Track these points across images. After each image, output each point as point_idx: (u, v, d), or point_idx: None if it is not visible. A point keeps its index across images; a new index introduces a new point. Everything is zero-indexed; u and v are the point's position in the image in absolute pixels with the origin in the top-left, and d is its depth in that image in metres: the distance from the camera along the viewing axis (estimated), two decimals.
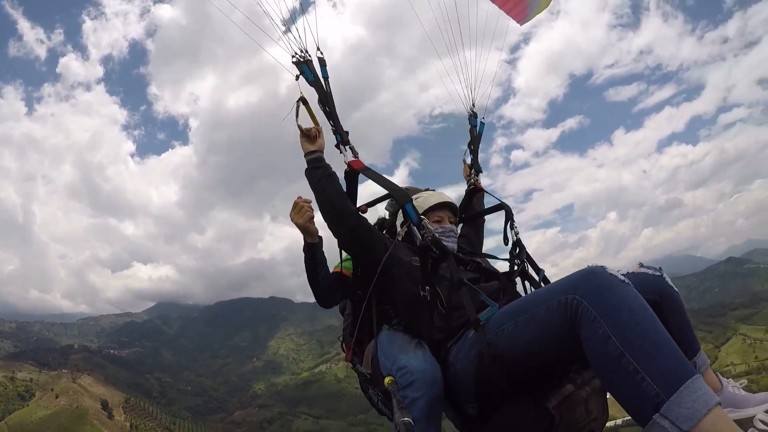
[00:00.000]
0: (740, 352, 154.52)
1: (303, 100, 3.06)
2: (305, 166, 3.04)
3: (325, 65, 3.21)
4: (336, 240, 3.02)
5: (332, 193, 2.91)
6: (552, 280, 2.96)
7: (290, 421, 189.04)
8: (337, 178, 3.00)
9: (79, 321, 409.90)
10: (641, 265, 2.48)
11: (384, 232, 3.40)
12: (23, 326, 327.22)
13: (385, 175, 3.03)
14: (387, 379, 2.51)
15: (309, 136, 3.07)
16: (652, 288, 2.32)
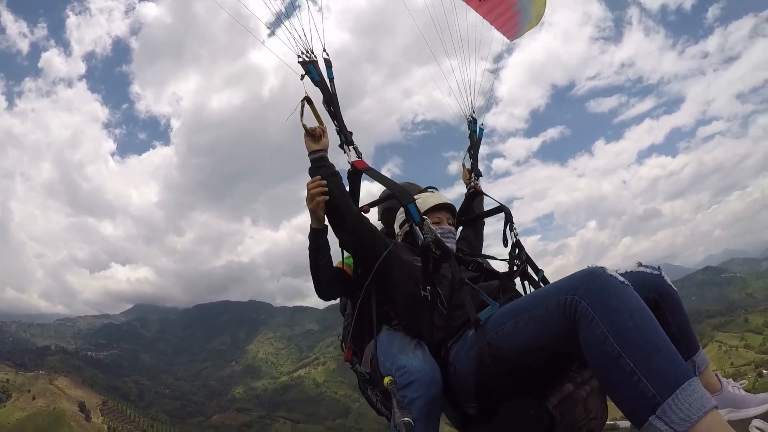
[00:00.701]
0: (716, 358, 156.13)
1: (308, 99, 3.08)
2: (309, 165, 3.07)
3: (331, 66, 3.25)
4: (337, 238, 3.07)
5: (335, 192, 2.92)
6: (551, 281, 3.02)
7: (269, 425, 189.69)
8: (341, 177, 3.02)
9: (56, 322, 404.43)
10: (640, 264, 2.49)
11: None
12: None
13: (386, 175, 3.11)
14: (386, 379, 2.51)
15: (313, 135, 3.09)
16: (650, 287, 2.35)
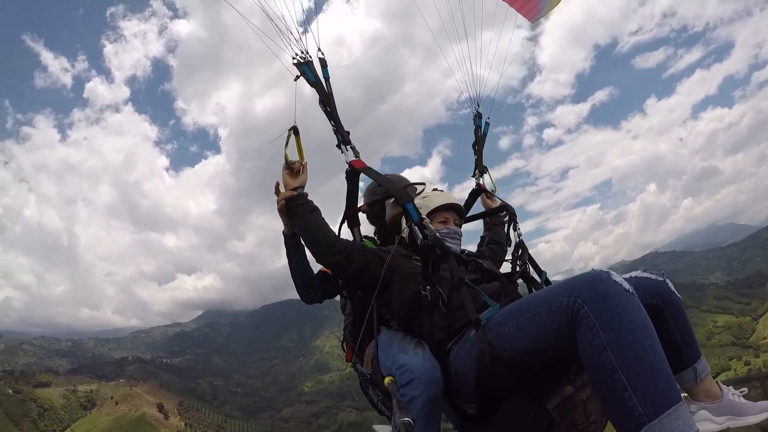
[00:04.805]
0: None
1: (295, 130, 3.04)
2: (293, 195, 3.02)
3: (326, 66, 3.21)
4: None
5: (316, 228, 2.88)
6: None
7: (335, 414, 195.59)
8: (320, 212, 2.96)
9: (131, 334, 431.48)
10: (644, 270, 2.45)
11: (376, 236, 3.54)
12: (78, 344, 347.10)
13: (387, 174, 3.11)
14: (387, 380, 2.50)
15: (292, 169, 3.07)
16: (654, 293, 2.32)
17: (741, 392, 2.43)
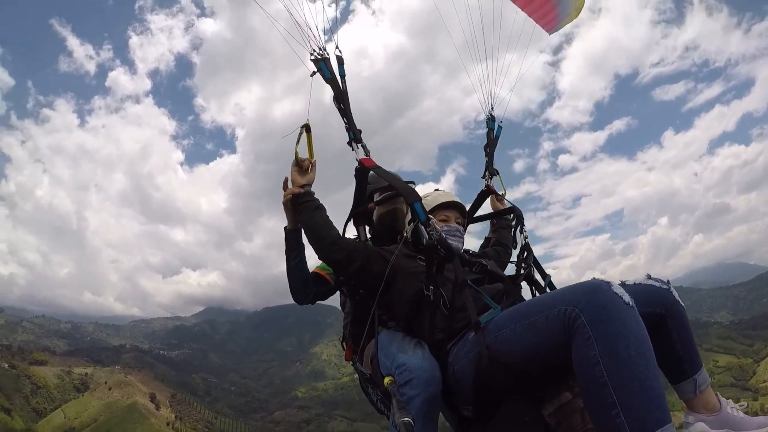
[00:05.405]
0: None
1: (307, 128, 3.09)
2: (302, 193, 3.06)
3: (343, 63, 3.23)
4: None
5: (320, 226, 2.93)
6: (551, 282, 3.10)
7: (326, 422, 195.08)
8: (325, 210, 3.01)
9: (130, 323, 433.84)
10: (649, 277, 2.42)
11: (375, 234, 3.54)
12: (77, 327, 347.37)
13: (394, 172, 3.17)
14: (387, 380, 2.50)
15: (301, 166, 3.13)
16: (658, 301, 2.31)
17: (740, 406, 2.40)
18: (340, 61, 3.26)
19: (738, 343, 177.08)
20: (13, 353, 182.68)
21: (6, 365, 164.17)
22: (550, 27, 5.10)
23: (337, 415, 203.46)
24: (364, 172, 3.12)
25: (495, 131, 4.48)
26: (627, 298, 1.89)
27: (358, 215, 3.34)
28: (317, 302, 3.38)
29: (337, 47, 3.28)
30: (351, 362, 3.32)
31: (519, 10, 4.80)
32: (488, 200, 4.26)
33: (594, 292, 1.92)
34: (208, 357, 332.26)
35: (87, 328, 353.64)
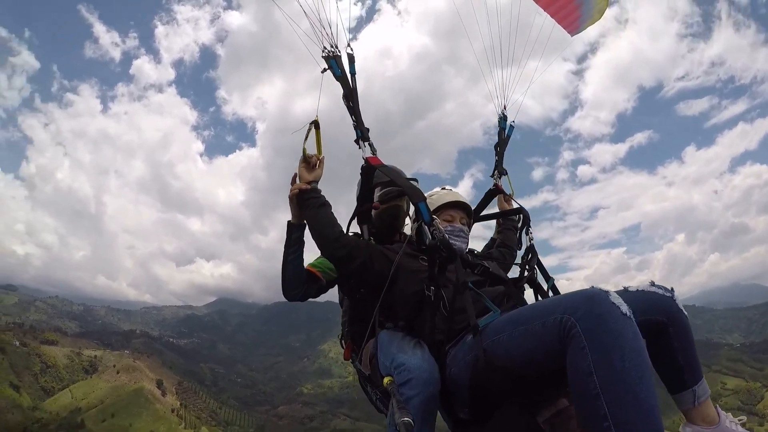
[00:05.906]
0: None
1: (316, 125, 3.10)
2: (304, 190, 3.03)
3: (354, 62, 3.25)
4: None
5: (324, 223, 2.93)
6: (562, 291, 2.95)
7: (330, 420, 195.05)
8: (330, 207, 3.01)
9: (142, 309, 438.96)
10: (652, 284, 2.37)
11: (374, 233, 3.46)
12: (90, 309, 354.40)
13: (401, 171, 3.20)
14: (386, 380, 2.50)
15: (309, 163, 3.12)
16: (659, 308, 2.27)
17: (739, 420, 2.36)
18: (351, 59, 3.26)
19: (748, 366, 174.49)
20: (25, 331, 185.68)
21: (17, 342, 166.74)
22: (573, 28, 4.99)
23: (341, 413, 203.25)
24: (370, 170, 3.14)
25: (506, 131, 4.43)
26: (625, 308, 1.85)
27: (362, 213, 3.36)
28: (316, 300, 3.36)
29: (348, 45, 3.29)
30: (350, 361, 3.31)
31: (540, 12, 4.69)
32: (495, 200, 4.19)
33: (591, 301, 1.88)
34: (217, 347, 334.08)
35: (99, 311, 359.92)
